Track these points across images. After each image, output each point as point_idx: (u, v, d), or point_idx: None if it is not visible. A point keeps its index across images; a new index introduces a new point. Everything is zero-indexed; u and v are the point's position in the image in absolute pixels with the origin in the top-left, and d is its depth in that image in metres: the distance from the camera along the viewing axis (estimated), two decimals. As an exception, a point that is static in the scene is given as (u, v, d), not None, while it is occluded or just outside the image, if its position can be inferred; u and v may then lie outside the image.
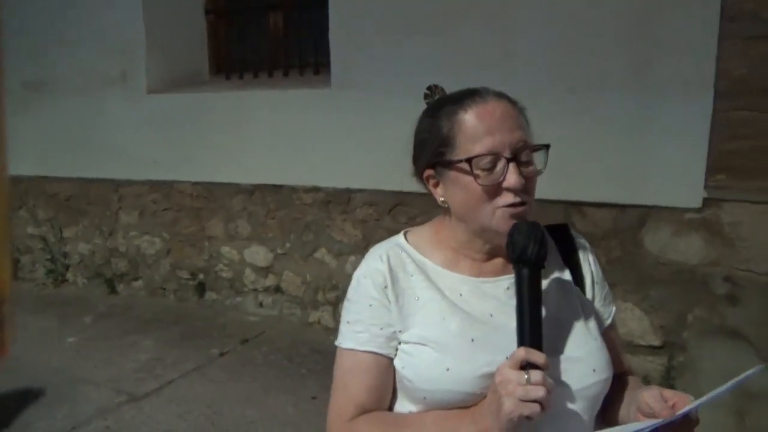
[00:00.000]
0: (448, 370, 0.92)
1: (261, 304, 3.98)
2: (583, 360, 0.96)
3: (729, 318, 2.57)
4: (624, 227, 2.80)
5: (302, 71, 3.96)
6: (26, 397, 2.92)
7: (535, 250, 0.87)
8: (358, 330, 1.00)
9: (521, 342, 0.86)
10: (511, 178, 0.93)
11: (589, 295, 1.07)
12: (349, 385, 0.99)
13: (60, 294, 4.60)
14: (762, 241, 2.49)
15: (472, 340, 0.94)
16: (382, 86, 3.24)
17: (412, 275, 1.01)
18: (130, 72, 4.12)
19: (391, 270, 1.01)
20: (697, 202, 2.60)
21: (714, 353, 2.61)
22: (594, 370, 0.96)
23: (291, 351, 3.43)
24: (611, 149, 2.75)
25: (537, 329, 0.86)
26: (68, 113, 4.39)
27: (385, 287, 1.00)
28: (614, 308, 1.13)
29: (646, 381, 2.75)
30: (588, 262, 1.10)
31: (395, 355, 0.99)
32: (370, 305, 1.00)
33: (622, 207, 2.79)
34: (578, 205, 2.87)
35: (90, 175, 4.45)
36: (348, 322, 1.02)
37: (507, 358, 0.86)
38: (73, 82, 4.32)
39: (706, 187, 2.58)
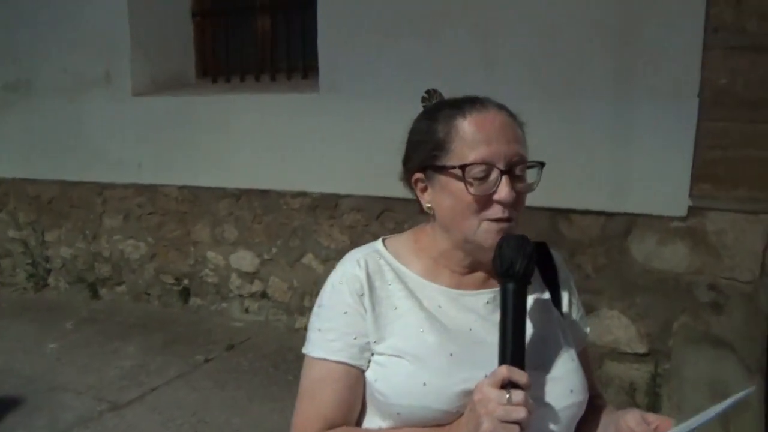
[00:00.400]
0: (424, 384, 0.88)
1: (247, 310, 3.94)
2: (561, 380, 0.94)
3: (714, 326, 2.60)
4: (610, 235, 2.81)
5: (290, 75, 3.94)
6: (4, 406, 2.86)
7: (523, 264, 0.85)
8: (330, 338, 0.96)
9: (503, 359, 0.83)
10: (503, 191, 0.91)
11: (566, 315, 1.06)
12: (317, 397, 0.95)
13: (41, 299, 4.52)
14: (746, 250, 2.52)
15: (451, 354, 0.91)
16: (370, 91, 3.23)
17: (390, 283, 0.98)
18: (115, 73, 4.08)
19: (368, 276, 0.97)
20: (682, 211, 2.63)
21: (699, 361, 2.63)
22: (571, 391, 0.94)
23: (277, 357, 3.40)
24: (598, 157, 2.77)
25: (520, 347, 0.83)
26: (51, 114, 4.32)
27: (362, 294, 0.96)
28: (588, 330, 1.12)
29: (632, 389, 2.77)
30: (567, 282, 1.08)
31: (367, 366, 0.95)
32: (345, 312, 0.96)
33: (608, 215, 2.80)
34: (565, 212, 2.89)
35: (73, 177, 4.39)
36: (319, 330, 0.98)
37: (486, 375, 0.83)
38: (57, 83, 4.26)
39: (690, 195, 2.60)
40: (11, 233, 4.77)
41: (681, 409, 2.66)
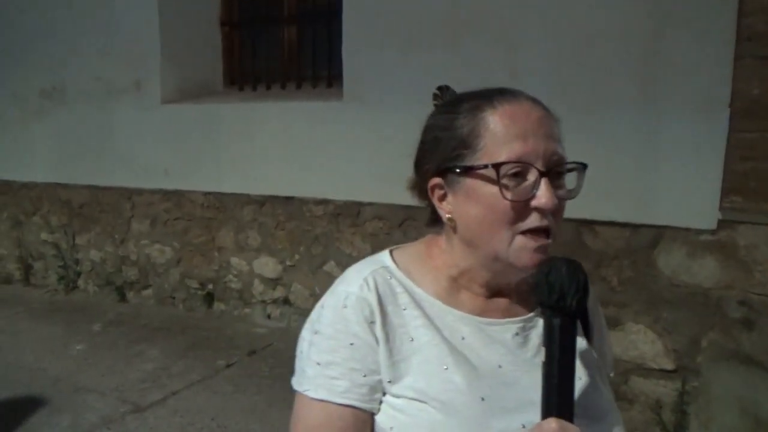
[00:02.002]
0: None
1: (269, 316, 3.97)
2: (607, 426, 0.82)
3: (744, 343, 2.51)
4: (637, 247, 2.75)
5: (315, 84, 3.98)
6: (30, 405, 2.92)
7: (576, 297, 0.71)
8: (332, 375, 0.79)
9: (548, 409, 0.69)
10: (544, 196, 0.75)
11: (596, 346, 0.91)
12: None
13: (71, 301, 4.63)
14: (779, 265, 2.43)
15: (483, 399, 0.76)
16: (394, 100, 3.24)
17: (404, 308, 0.81)
18: (145, 81, 4.17)
19: (380, 300, 0.80)
20: (711, 224, 2.55)
21: (728, 379, 2.54)
22: None
23: (297, 364, 3.41)
24: (623, 167, 2.72)
25: (569, 395, 0.70)
26: (83, 121, 4.44)
27: (372, 322, 0.79)
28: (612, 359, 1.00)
29: (658, 406, 2.69)
30: (596, 311, 0.94)
31: (378, 410, 0.79)
32: (352, 344, 0.79)
33: (634, 226, 2.74)
34: (590, 223, 2.84)
35: (103, 183, 4.49)
36: (318, 364, 0.80)
37: (524, 425, 0.72)
38: (89, 90, 4.38)
39: (721, 208, 2.53)
40: (44, 236, 4.90)
41: (709, 428, 2.58)
